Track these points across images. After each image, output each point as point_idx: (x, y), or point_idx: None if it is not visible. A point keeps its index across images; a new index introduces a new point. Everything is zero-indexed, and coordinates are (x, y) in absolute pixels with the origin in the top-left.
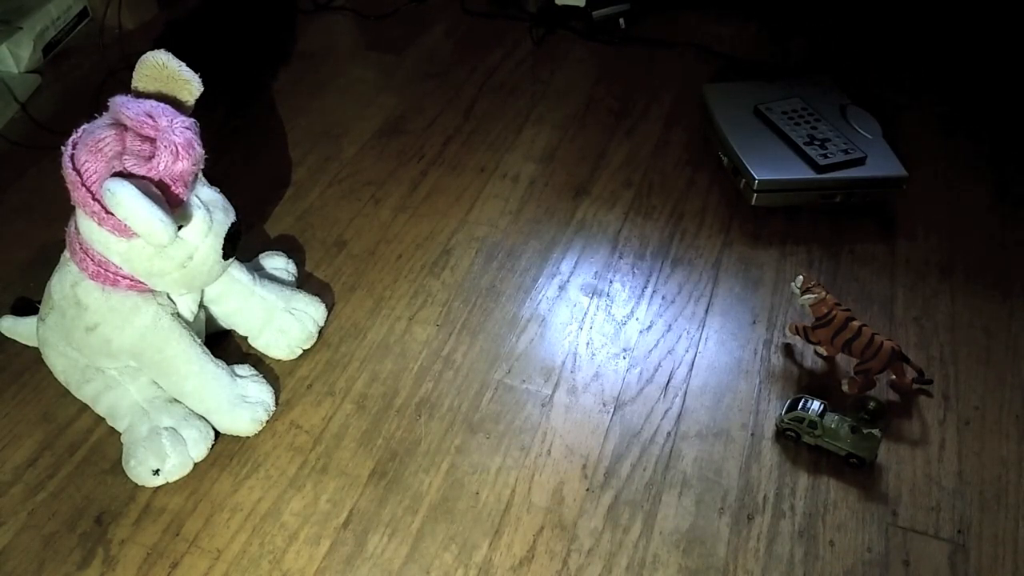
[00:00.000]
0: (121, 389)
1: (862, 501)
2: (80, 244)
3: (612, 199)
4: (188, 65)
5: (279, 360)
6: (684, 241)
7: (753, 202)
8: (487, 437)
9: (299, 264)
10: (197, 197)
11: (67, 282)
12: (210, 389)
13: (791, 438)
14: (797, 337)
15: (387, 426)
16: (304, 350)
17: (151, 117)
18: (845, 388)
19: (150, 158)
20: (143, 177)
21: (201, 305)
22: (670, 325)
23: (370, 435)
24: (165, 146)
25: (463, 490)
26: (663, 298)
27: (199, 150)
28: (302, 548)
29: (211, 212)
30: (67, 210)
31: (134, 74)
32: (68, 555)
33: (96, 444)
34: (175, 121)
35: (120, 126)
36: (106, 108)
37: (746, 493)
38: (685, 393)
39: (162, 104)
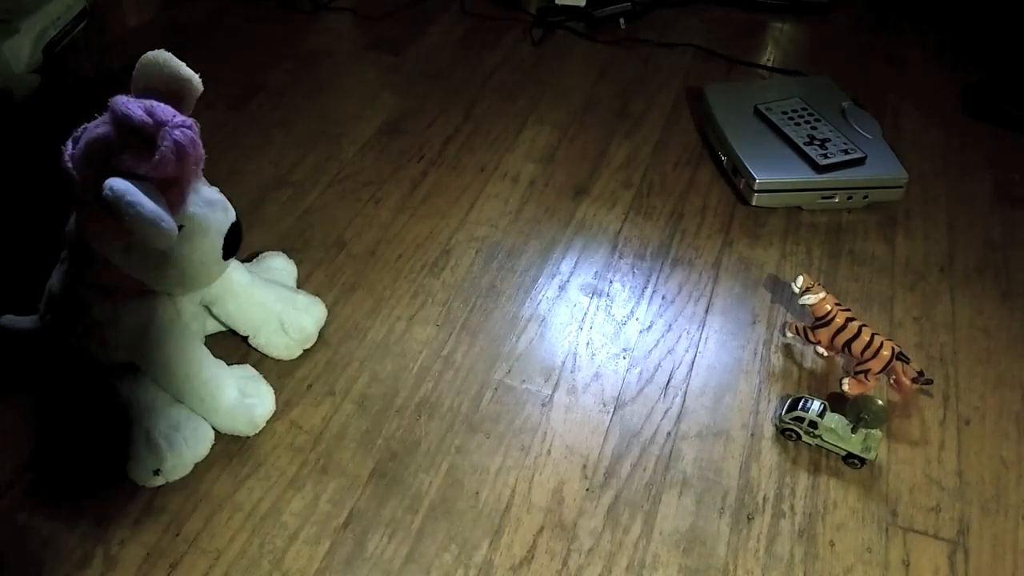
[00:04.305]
0: (120, 389)
1: (862, 501)
2: (79, 244)
3: (612, 199)
4: (188, 65)
5: (279, 360)
6: (684, 241)
7: (753, 202)
8: (487, 437)
9: (299, 264)
10: (197, 197)
11: (67, 282)
12: (209, 389)
13: (791, 438)
14: (797, 337)
15: (387, 426)
16: (304, 350)
17: (151, 117)
18: (845, 388)
19: (150, 158)
20: (143, 177)
21: (201, 305)
22: (670, 325)
23: (370, 435)
24: (165, 146)
25: (463, 490)
26: (663, 298)
27: (199, 150)
28: (302, 548)
29: (211, 212)
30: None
31: (134, 74)
32: (68, 555)
33: (96, 444)
34: (175, 121)
35: (120, 126)
36: (106, 108)
37: (746, 493)
38: (685, 393)
39: (162, 104)
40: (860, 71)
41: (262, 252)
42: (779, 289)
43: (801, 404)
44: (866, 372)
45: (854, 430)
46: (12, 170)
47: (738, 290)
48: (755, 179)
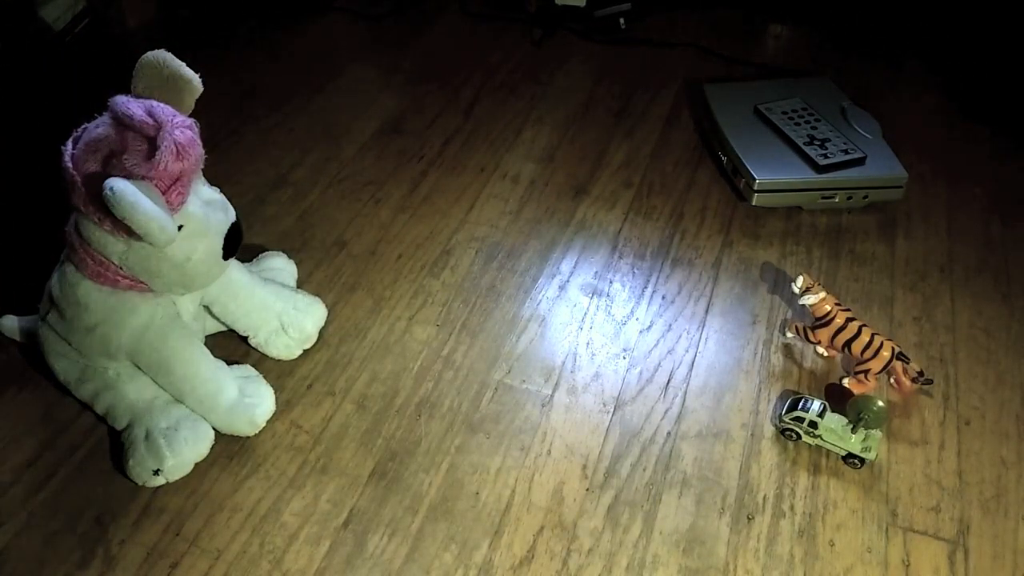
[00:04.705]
0: (120, 389)
1: (862, 501)
2: (79, 244)
3: (612, 199)
4: (188, 65)
5: (279, 360)
6: (684, 241)
7: (753, 202)
8: (487, 437)
9: (299, 264)
10: (197, 197)
11: (66, 282)
12: (209, 389)
13: (791, 438)
14: (797, 337)
15: (387, 426)
16: (304, 350)
17: (151, 117)
18: (846, 385)
19: (150, 158)
20: (143, 177)
21: (201, 305)
22: (670, 325)
23: (370, 435)
24: (165, 146)
25: (463, 490)
26: (663, 298)
27: (199, 150)
28: (302, 548)
29: (211, 212)
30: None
31: (134, 74)
32: (68, 555)
33: (96, 444)
34: (175, 120)
35: (120, 126)
36: (106, 108)
37: (746, 493)
38: (685, 393)
39: (162, 104)
40: (860, 71)
41: (262, 252)
42: (779, 289)
43: (801, 404)
44: (866, 372)
45: (854, 430)
46: (12, 170)
47: (738, 290)
48: (755, 179)
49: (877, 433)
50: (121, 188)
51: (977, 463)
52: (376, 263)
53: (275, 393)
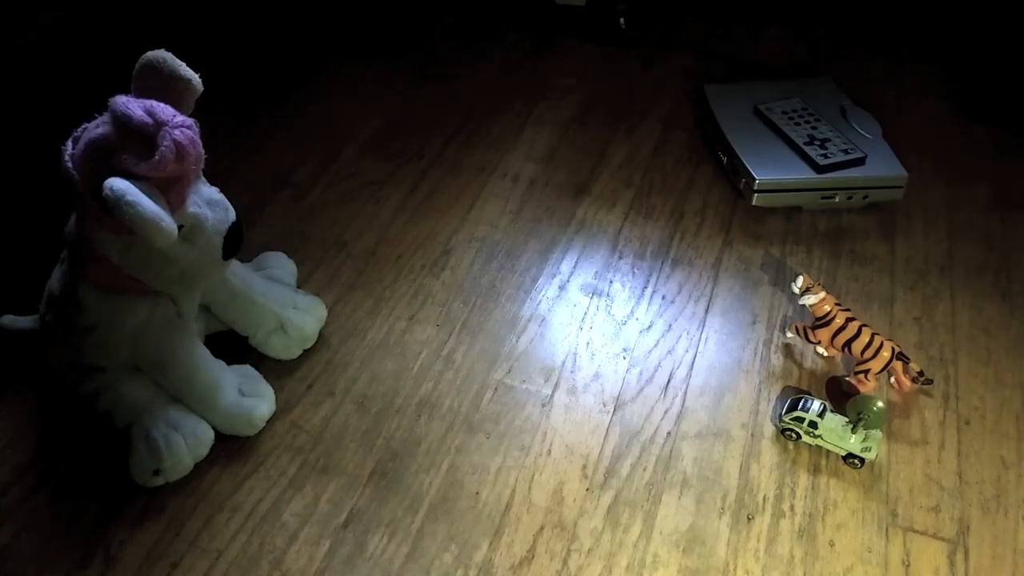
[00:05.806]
0: (120, 389)
1: (862, 501)
2: (79, 244)
3: (612, 199)
4: (188, 65)
5: (279, 360)
6: (684, 241)
7: (753, 202)
8: (487, 437)
9: (299, 264)
10: (197, 197)
11: (66, 282)
12: (209, 389)
13: (791, 438)
14: (797, 337)
15: (387, 426)
16: (304, 350)
17: (151, 117)
18: (845, 388)
19: (150, 158)
20: (143, 177)
21: (201, 305)
22: (670, 325)
23: (370, 435)
24: (165, 146)
25: (463, 490)
26: (663, 298)
27: (199, 150)
28: (302, 548)
29: (211, 212)
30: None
31: (134, 74)
32: (68, 555)
33: (96, 444)
34: (175, 120)
35: (120, 126)
36: (106, 108)
37: (746, 493)
38: (685, 393)
39: (162, 104)
40: (860, 71)
41: (262, 252)
42: (779, 289)
43: (801, 404)
44: (866, 372)
45: (854, 430)
46: (12, 170)
47: (738, 290)
48: (755, 179)
49: (877, 433)
50: (121, 188)
51: (977, 463)
52: (376, 263)
53: (275, 393)
